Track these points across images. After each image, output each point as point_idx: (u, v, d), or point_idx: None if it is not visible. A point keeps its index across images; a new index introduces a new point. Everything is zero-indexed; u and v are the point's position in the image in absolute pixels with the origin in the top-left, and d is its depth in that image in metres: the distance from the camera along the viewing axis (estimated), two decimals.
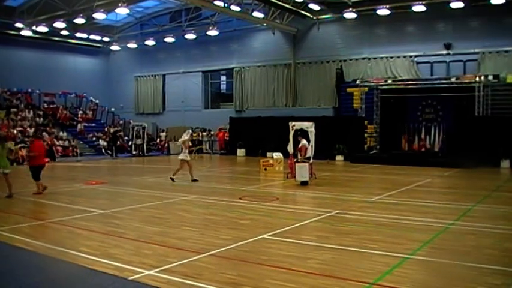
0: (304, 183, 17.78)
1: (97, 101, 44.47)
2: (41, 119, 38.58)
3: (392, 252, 8.22)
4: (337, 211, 12.27)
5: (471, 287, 6.64)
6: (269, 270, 7.33)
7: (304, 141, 18.78)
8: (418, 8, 29.56)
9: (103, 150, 36.78)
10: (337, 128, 30.42)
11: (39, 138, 19.44)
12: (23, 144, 30.65)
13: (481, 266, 7.47)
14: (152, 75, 45.45)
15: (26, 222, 11.02)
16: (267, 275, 7.09)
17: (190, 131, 21.10)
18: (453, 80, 27.91)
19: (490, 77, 27.19)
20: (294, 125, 19.91)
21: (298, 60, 37.08)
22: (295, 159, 18.88)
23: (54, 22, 35.96)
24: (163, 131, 42.25)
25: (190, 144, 20.41)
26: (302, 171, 17.92)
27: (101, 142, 37.71)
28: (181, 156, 19.39)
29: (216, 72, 43.00)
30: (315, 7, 33.50)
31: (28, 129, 35.16)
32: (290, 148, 20.06)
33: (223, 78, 43.84)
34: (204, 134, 39.97)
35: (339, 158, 29.95)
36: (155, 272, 7.22)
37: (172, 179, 19.05)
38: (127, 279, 6.96)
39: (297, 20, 36.07)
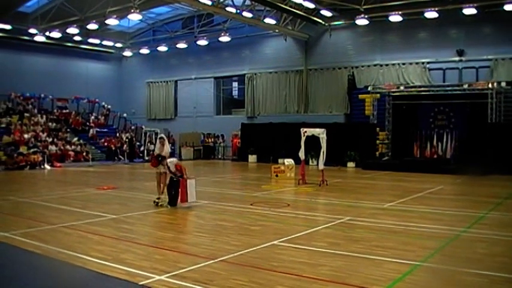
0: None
1: (109, 107, 44.72)
2: (54, 124, 38.86)
3: (404, 260, 8.17)
4: (348, 218, 12.22)
5: None
6: (280, 276, 7.32)
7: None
8: (430, 14, 29.45)
9: (115, 156, 36.92)
10: (348, 135, 30.34)
11: None
12: (35, 149, 30.90)
13: (492, 274, 7.41)
14: (164, 81, 45.63)
15: (37, 226, 11.06)
16: (278, 281, 7.08)
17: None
18: (465, 86, 27.67)
19: (503, 84, 26.94)
20: (305, 131, 19.92)
21: (310, 67, 37.07)
22: (186, 176, 13.97)
23: (67, 28, 36.41)
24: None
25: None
26: (192, 189, 14.01)
27: (114, 147, 37.80)
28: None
29: (227, 78, 43.12)
30: (326, 13, 33.53)
31: (41, 134, 35.41)
32: (302, 154, 20.10)
33: (235, 84, 43.97)
34: (221, 140, 40.43)
35: (351, 164, 29.87)
36: (166, 277, 7.23)
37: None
38: (138, 284, 6.97)
39: (308, 27, 36.08)
